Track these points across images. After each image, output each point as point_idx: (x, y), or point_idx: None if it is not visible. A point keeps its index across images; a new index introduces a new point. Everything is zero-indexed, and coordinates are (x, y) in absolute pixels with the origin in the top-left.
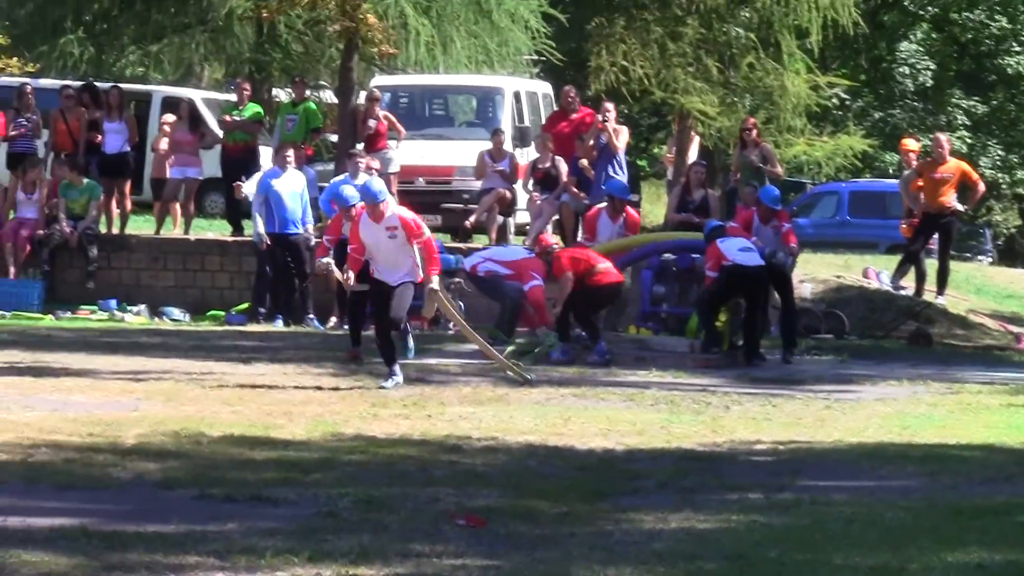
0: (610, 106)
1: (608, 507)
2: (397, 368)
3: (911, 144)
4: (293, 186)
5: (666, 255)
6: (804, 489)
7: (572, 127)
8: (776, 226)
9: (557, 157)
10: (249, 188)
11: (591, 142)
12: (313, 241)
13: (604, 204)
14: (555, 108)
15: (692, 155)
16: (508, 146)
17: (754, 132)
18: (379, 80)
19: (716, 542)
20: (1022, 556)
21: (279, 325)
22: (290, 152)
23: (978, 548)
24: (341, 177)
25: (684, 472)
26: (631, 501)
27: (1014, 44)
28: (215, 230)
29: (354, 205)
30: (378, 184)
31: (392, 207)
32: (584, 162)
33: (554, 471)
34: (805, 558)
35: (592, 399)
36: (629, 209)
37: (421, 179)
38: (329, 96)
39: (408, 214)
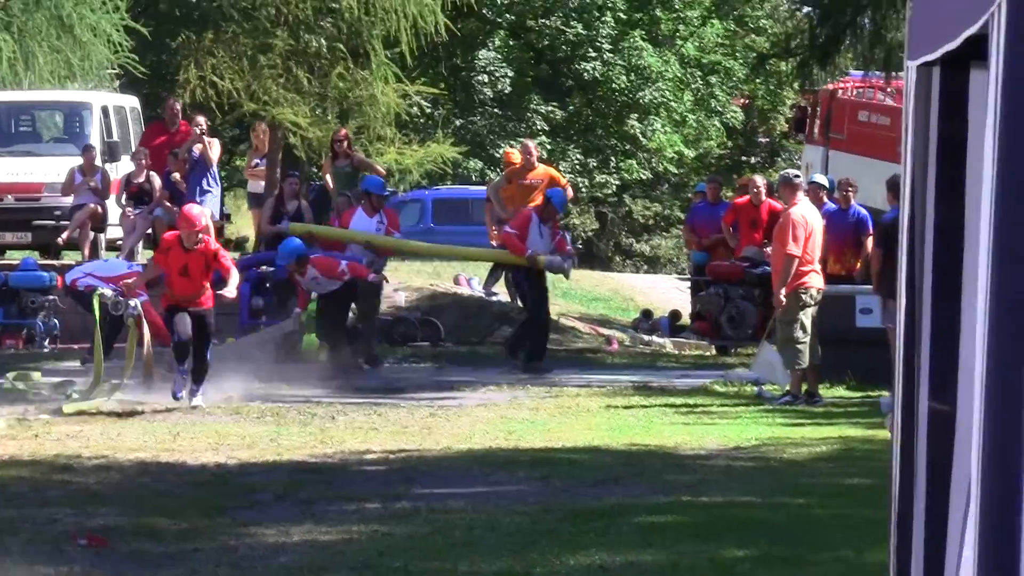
0: (202, 119)
1: (228, 522)
2: None
3: (515, 156)
4: None
5: (264, 267)
6: (420, 497)
7: (171, 140)
8: (553, 229)
9: (151, 172)
10: None
11: (185, 155)
12: None
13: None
14: (143, 122)
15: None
16: (99, 161)
17: (345, 143)
18: None
19: (340, 553)
20: (641, 556)
21: None
22: None
23: (598, 550)
24: None
25: (299, 484)
26: (251, 515)
27: (589, 50)
28: None
29: None
30: None
31: None
32: (177, 175)
33: (169, 487)
34: (431, 566)
35: (198, 414)
36: (388, 207)
37: (10, 196)
38: None
39: None
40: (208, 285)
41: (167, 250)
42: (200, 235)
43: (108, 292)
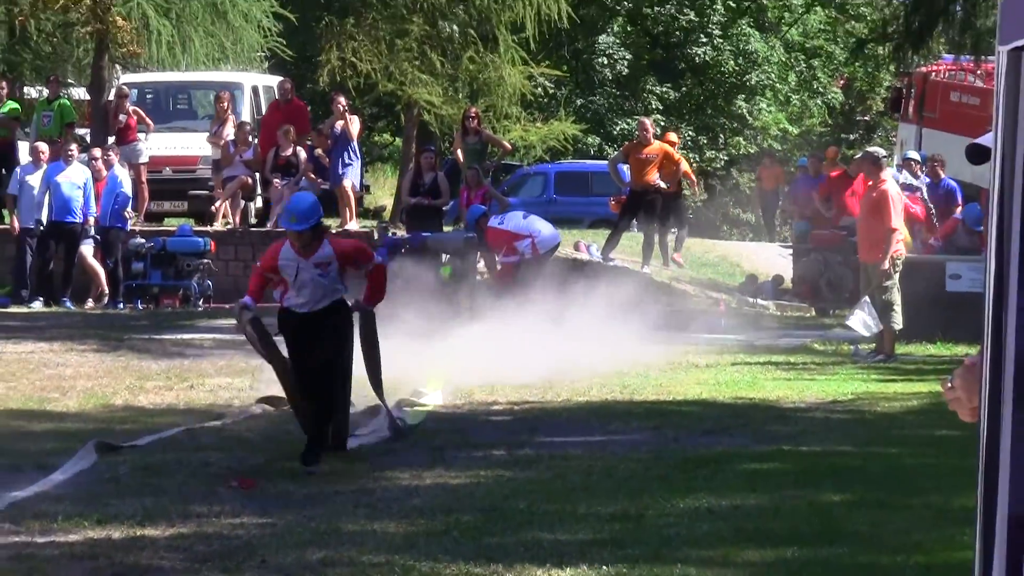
0: (342, 99)
1: (366, 467)
2: None
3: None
4: (75, 178)
5: (399, 233)
6: (543, 445)
7: (283, 116)
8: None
9: (298, 147)
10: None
11: (327, 131)
12: (92, 230)
13: None
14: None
15: None
16: (250, 137)
17: (475, 120)
18: (127, 77)
19: (469, 496)
20: (746, 500)
21: (38, 306)
22: (73, 147)
23: (707, 494)
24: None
25: (432, 432)
26: (386, 460)
27: (701, 36)
28: None
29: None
30: None
31: None
32: (319, 150)
33: None
34: (552, 508)
35: None
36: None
37: (168, 168)
38: (79, 93)
39: None
40: None
41: None
42: None
43: None
